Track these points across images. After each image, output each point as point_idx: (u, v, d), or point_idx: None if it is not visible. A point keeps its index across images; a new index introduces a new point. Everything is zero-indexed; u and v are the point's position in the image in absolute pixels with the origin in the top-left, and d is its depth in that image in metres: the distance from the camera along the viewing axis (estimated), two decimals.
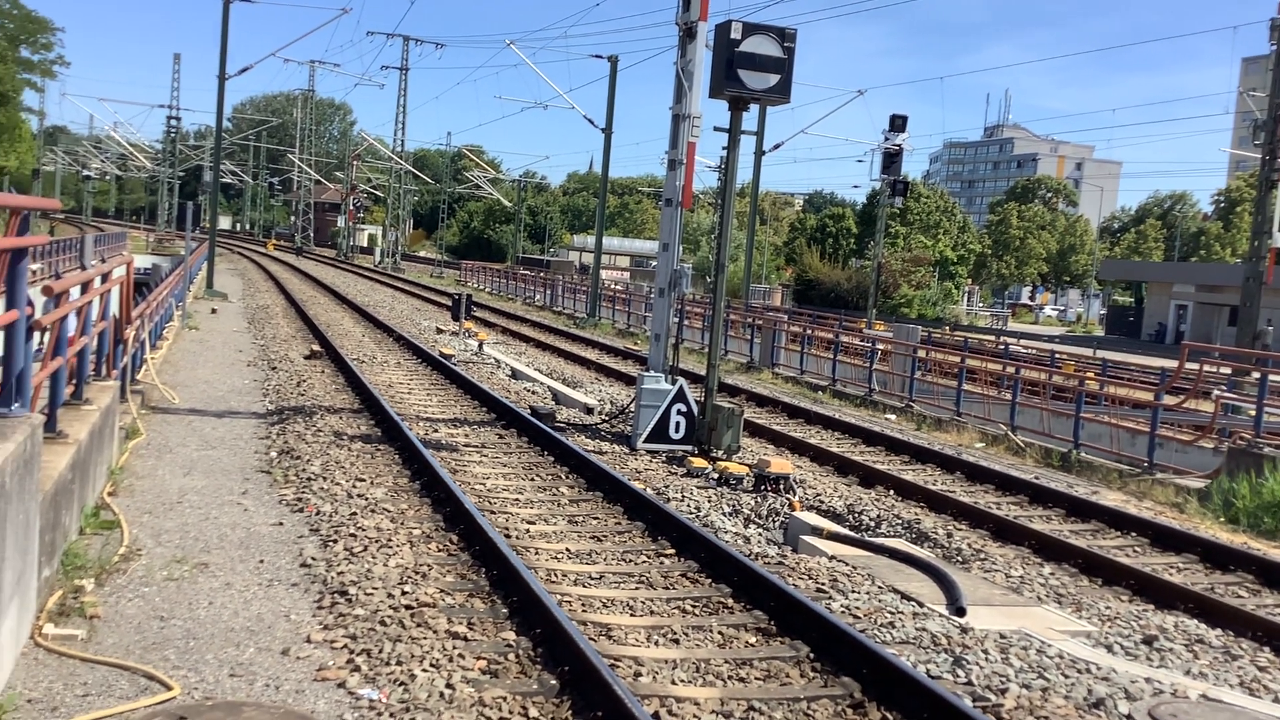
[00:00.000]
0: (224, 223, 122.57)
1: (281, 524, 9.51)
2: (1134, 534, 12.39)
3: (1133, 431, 17.80)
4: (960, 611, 8.43)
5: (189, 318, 27.15)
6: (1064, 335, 75.73)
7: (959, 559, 10.80)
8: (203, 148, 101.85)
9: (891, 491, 13.69)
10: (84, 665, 6.11)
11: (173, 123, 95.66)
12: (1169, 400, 19.12)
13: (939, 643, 7.63)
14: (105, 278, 10.54)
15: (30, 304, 6.61)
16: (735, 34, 14.12)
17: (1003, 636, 7.85)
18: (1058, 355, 35.58)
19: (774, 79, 14.27)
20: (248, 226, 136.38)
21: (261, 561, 8.37)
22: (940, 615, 8.33)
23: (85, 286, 9.39)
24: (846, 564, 9.65)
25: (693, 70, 14.91)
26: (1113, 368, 34.13)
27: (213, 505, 9.97)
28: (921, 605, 8.58)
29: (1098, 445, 17.92)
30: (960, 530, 11.89)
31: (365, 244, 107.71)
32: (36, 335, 7.11)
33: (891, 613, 8.26)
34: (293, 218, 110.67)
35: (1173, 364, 24.99)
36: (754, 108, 16.33)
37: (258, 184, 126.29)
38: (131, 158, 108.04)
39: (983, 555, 10.88)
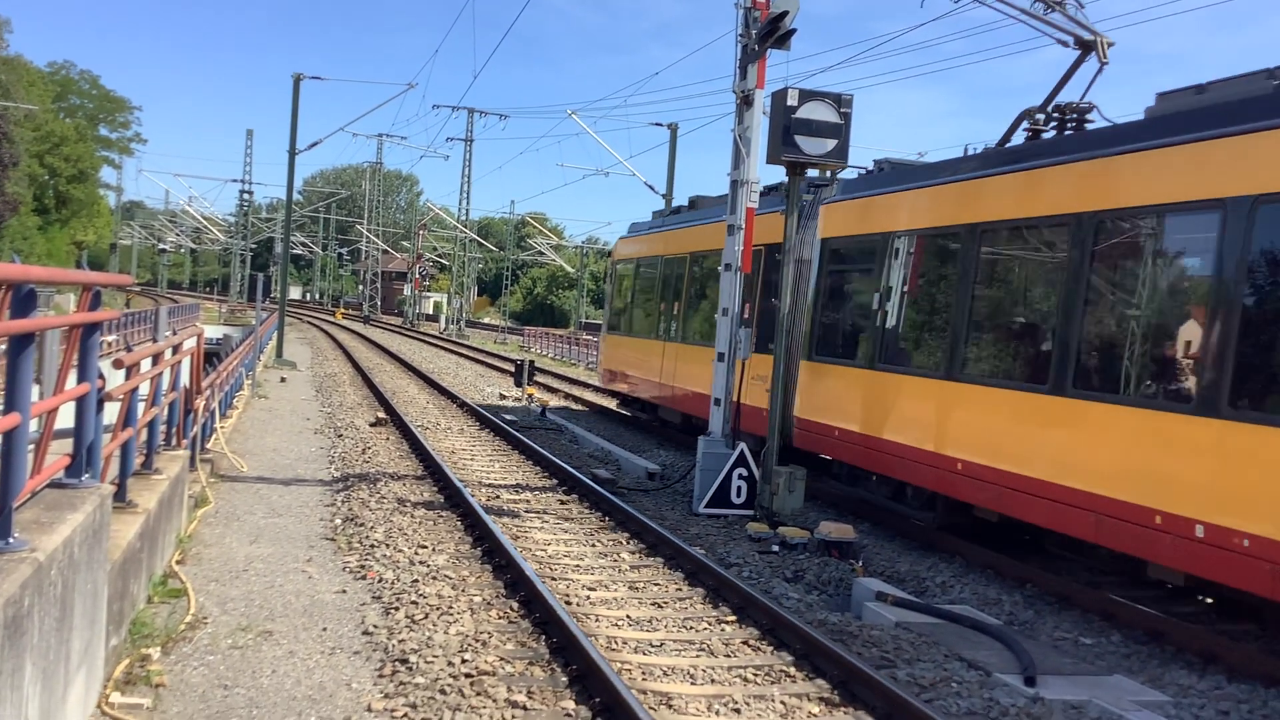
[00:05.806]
0: (294, 292, 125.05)
1: (344, 591, 9.59)
2: None
3: None
4: (1030, 681, 8.23)
5: (259, 386, 27.63)
6: None
7: (1029, 626, 10.55)
8: (274, 220, 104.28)
9: (958, 557, 13.45)
10: None
11: (245, 196, 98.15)
12: None
13: (1007, 713, 7.46)
14: (176, 349, 10.79)
15: (101, 377, 6.78)
16: (792, 100, 14.24)
17: (1074, 707, 7.64)
18: None
19: (831, 144, 14.35)
20: (317, 296, 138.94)
21: (324, 629, 8.44)
22: (1009, 685, 8.14)
23: (156, 359, 9.62)
24: (912, 630, 9.49)
25: (750, 137, 15.04)
26: None
27: (278, 573, 10.08)
28: (989, 674, 8.39)
29: None
30: (1030, 595, 11.63)
31: (431, 311, 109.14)
32: (107, 407, 7.28)
33: (959, 682, 8.09)
34: (361, 286, 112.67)
35: None
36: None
37: (327, 254, 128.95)
38: (205, 231, 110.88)
39: (1055, 622, 10.62)
